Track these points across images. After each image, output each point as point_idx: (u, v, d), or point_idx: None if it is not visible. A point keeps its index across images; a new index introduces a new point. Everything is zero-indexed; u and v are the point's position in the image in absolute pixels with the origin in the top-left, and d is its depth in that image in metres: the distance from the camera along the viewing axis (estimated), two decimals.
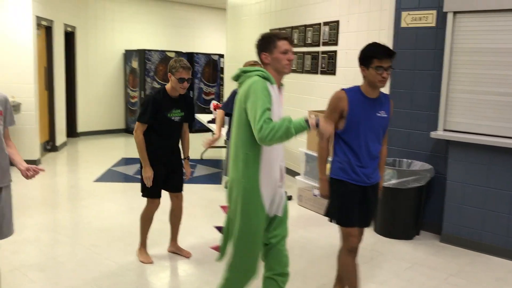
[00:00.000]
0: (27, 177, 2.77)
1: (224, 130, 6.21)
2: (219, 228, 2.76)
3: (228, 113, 4.97)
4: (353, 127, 2.83)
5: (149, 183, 3.61)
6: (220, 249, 2.70)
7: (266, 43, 2.50)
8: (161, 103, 3.57)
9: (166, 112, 3.59)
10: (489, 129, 4.14)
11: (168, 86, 3.64)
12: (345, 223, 2.87)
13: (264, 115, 2.29)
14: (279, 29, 7.09)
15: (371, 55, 2.76)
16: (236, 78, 2.58)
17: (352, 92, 2.86)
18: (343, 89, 2.89)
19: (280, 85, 2.55)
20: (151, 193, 3.72)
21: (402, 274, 3.70)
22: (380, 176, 3.02)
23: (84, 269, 3.61)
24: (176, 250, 4.01)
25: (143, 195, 3.76)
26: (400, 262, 3.92)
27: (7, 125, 2.83)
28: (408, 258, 4.02)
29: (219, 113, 5.00)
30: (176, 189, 3.87)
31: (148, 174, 3.61)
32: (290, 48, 2.50)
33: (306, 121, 2.29)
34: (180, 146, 3.88)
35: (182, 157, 3.90)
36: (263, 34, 2.58)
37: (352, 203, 2.86)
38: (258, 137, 2.29)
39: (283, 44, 2.48)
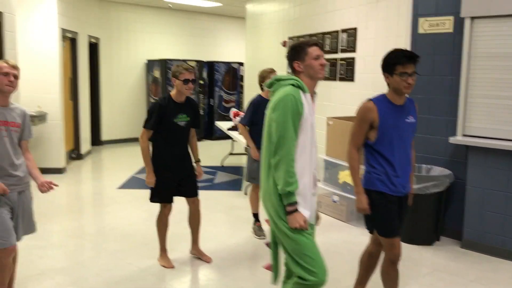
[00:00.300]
0: (42, 191, 3.01)
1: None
2: (268, 244, 2.66)
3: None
4: (386, 137, 2.79)
5: (151, 185, 3.72)
6: (273, 267, 2.63)
7: (296, 52, 2.50)
8: (166, 109, 3.66)
9: (171, 117, 3.68)
10: (508, 134, 4.12)
11: (173, 92, 3.75)
12: (389, 234, 2.83)
13: (291, 151, 2.34)
14: (298, 37, 7.16)
15: (394, 61, 2.73)
16: (270, 85, 2.58)
17: (380, 102, 2.81)
18: (370, 99, 2.83)
19: (313, 93, 2.55)
20: (161, 198, 3.83)
21: (422, 280, 3.70)
22: (410, 182, 2.97)
23: (108, 273, 3.72)
24: (197, 254, 4.09)
25: (152, 200, 3.84)
26: (420, 268, 3.92)
27: (25, 138, 3.06)
28: (428, 264, 4.01)
29: (241, 129, 4.73)
30: (191, 194, 3.95)
31: (151, 180, 3.70)
32: (321, 53, 2.50)
33: (290, 204, 2.37)
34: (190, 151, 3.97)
35: (194, 161, 3.99)
36: (294, 43, 2.59)
37: (393, 214, 2.83)
38: (274, 163, 2.37)
39: (313, 50, 2.48)
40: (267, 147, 2.47)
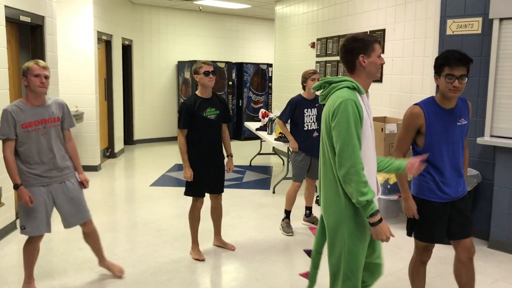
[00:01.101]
0: (84, 186, 3.46)
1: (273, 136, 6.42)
2: (308, 252, 2.61)
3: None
4: (434, 144, 2.71)
5: (189, 179, 3.90)
6: (310, 276, 2.58)
7: (364, 45, 2.31)
8: (194, 106, 3.88)
9: (201, 112, 3.89)
10: None
11: (198, 90, 3.98)
12: (425, 239, 2.87)
13: (358, 160, 2.16)
14: (327, 38, 7.25)
15: (442, 62, 2.63)
16: (318, 89, 2.42)
17: (428, 106, 2.72)
18: (417, 104, 2.75)
19: (367, 93, 2.38)
20: (194, 192, 4.02)
21: (447, 277, 3.76)
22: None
23: (143, 265, 3.92)
24: (220, 244, 4.31)
25: (186, 194, 4.05)
26: (446, 266, 3.96)
27: (67, 128, 3.33)
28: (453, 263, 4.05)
29: (281, 125, 4.81)
30: (218, 191, 4.16)
31: (188, 174, 3.90)
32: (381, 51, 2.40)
33: (372, 214, 2.17)
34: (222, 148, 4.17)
35: (225, 155, 4.18)
36: (355, 36, 2.36)
37: (434, 220, 2.80)
38: (341, 175, 2.18)
39: (378, 48, 2.35)
40: (327, 157, 2.30)
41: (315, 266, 2.56)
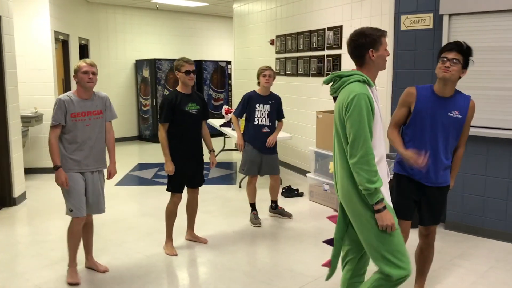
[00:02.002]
0: (108, 178, 3.71)
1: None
2: (330, 242, 2.63)
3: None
4: (417, 123, 2.86)
5: (171, 173, 4.00)
6: (332, 264, 2.61)
7: (373, 40, 2.38)
8: (175, 100, 3.98)
9: (183, 106, 4.00)
10: (486, 122, 4.45)
11: (179, 86, 4.09)
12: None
13: (369, 148, 2.25)
14: (286, 35, 7.43)
15: (441, 50, 2.88)
16: (329, 82, 2.51)
17: (423, 89, 2.91)
18: (415, 86, 2.97)
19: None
20: (175, 188, 4.10)
21: (411, 258, 4.00)
22: (452, 177, 3.01)
23: (118, 261, 3.96)
24: (193, 238, 4.42)
25: (168, 190, 4.14)
26: (409, 248, 4.21)
27: (109, 119, 3.67)
28: (415, 244, 4.30)
29: (234, 120, 5.00)
30: (196, 185, 4.27)
31: (169, 168, 3.99)
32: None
33: (378, 201, 2.27)
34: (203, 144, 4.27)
35: (208, 151, 4.30)
36: (363, 30, 2.43)
37: (404, 198, 2.94)
38: (352, 163, 2.28)
39: (385, 41, 2.43)
40: (341, 148, 2.41)
41: (337, 254, 2.59)
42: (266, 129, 4.86)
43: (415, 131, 2.90)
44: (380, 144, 2.37)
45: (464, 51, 2.83)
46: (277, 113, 4.96)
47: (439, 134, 2.86)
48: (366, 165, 2.25)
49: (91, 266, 3.79)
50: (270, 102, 4.85)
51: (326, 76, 6.43)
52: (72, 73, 8.37)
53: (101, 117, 3.56)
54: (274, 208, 5.19)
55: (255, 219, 4.93)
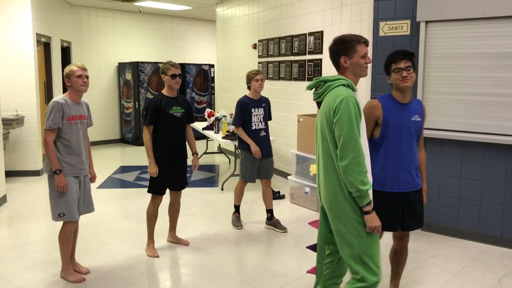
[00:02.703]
0: (93, 182, 3.80)
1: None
2: (312, 248, 2.66)
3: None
4: (390, 133, 2.90)
5: (154, 175, 4.04)
6: (317, 270, 2.63)
7: (346, 47, 2.43)
8: (160, 103, 4.03)
9: (168, 109, 4.05)
10: (460, 126, 4.59)
11: (164, 89, 4.14)
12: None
13: (361, 152, 2.29)
14: (268, 39, 7.53)
15: (388, 61, 2.94)
16: (312, 87, 2.52)
17: (385, 99, 2.96)
18: (375, 98, 3.00)
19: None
20: (157, 190, 4.14)
21: (386, 258, 4.10)
22: (422, 179, 3.10)
23: (100, 263, 3.98)
24: (174, 240, 4.46)
25: (149, 191, 4.17)
26: (385, 249, 4.28)
27: (89, 126, 3.71)
28: (391, 245, 4.42)
29: (239, 131, 4.82)
30: (179, 188, 4.32)
31: (153, 170, 4.03)
32: (367, 51, 2.48)
33: (368, 204, 2.33)
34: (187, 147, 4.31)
35: (191, 153, 4.36)
36: (341, 37, 2.48)
37: (390, 211, 2.95)
38: (343, 166, 2.29)
39: (362, 49, 2.43)
40: (326, 153, 2.42)
41: (322, 259, 2.61)
42: (263, 133, 4.84)
43: (388, 141, 2.91)
44: (366, 148, 2.41)
45: (411, 57, 2.91)
46: (268, 115, 4.98)
47: (410, 140, 2.93)
48: (358, 166, 2.28)
49: (74, 268, 3.80)
50: (263, 105, 4.85)
51: (307, 80, 6.55)
52: (55, 76, 8.42)
53: (85, 122, 3.64)
54: (270, 219, 4.97)
55: (237, 221, 4.98)
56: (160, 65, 4.13)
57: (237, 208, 5.06)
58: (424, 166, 3.16)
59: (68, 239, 3.60)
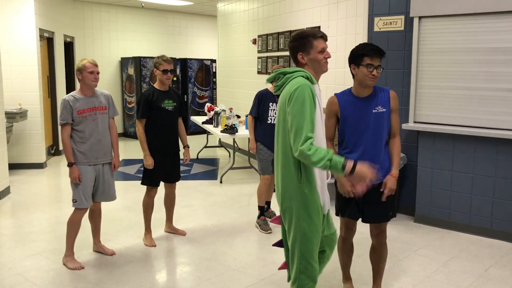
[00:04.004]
0: (113, 170, 3.96)
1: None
2: (279, 244, 2.68)
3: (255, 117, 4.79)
4: (346, 128, 2.92)
5: (150, 167, 4.14)
6: (288, 266, 2.65)
7: (302, 43, 2.44)
8: (152, 97, 4.13)
9: (160, 103, 4.15)
10: (452, 120, 4.67)
11: (156, 83, 4.24)
12: (337, 213, 3.13)
13: (310, 134, 2.26)
14: (267, 34, 7.61)
15: (362, 53, 2.81)
16: (273, 80, 2.55)
17: (343, 95, 2.96)
18: (335, 94, 3.01)
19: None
20: (151, 182, 4.26)
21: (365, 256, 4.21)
22: (394, 165, 2.97)
23: (98, 252, 4.11)
24: (171, 230, 4.58)
25: (142, 183, 4.29)
26: (362, 247, 4.42)
27: (112, 116, 3.93)
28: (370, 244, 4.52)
29: (249, 120, 4.82)
30: (173, 180, 4.43)
31: (149, 162, 4.14)
32: (326, 45, 2.47)
33: (344, 166, 2.27)
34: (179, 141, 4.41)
35: (182, 146, 4.45)
36: (298, 33, 2.49)
37: (343, 198, 3.00)
38: (297, 151, 2.27)
39: (319, 43, 2.43)
40: (285, 145, 2.41)
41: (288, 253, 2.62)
42: None
43: (348, 136, 2.94)
44: (321, 141, 2.43)
45: (384, 55, 2.87)
46: None
47: (371, 133, 2.89)
48: (313, 156, 2.25)
49: (99, 250, 4.07)
50: (277, 100, 4.80)
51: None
52: (58, 71, 8.54)
53: (105, 113, 3.82)
54: (266, 209, 4.94)
55: (264, 224, 4.69)
56: (154, 59, 4.23)
57: (261, 209, 4.80)
58: (396, 152, 3.01)
59: (75, 226, 3.81)
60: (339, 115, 2.95)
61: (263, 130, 4.69)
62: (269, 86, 4.79)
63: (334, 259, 3.40)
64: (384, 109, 2.91)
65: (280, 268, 2.82)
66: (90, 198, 3.79)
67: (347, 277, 3.39)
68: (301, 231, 2.44)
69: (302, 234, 2.44)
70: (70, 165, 3.67)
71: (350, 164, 2.28)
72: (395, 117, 2.99)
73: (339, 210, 3.13)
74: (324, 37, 2.46)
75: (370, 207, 3.01)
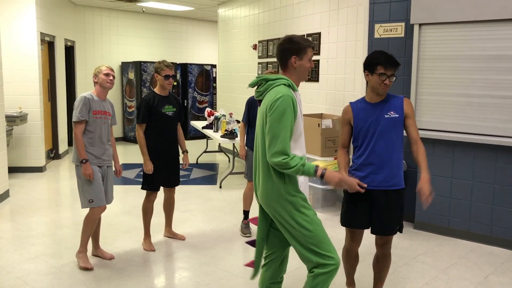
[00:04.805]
0: (118, 176, 4.08)
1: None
2: (252, 243, 2.73)
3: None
4: (361, 134, 2.96)
5: (149, 172, 4.14)
6: (255, 265, 2.68)
7: (298, 48, 2.49)
8: (153, 102, 4.14)
9: (160, 108, 4.16)
10: (452, 126, 4.68)
11: (156, 88, 4.25)
12: (343, 223, 3.08)
13: (287, 144, 2.35)
14: (268, 40, 7.64)
15: (377, 62, 2.87)
16: (254, 85, 2.57)
17: (357, 103, 3.03)
18: (349, 103, 3.07)
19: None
20: (151, 186, 4.25)
21: (367, 261, 4.21)
22: (423, 170, 2.87)
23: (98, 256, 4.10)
24: (171, 235, 4.57)
25: (142, 188, 4.29)
26: (366, 256, 4.41)
27: (112, 124, 3.99)
28: (375, 252, 4.52)
29: (241, 126, 4.87)
30: (172, 185, 4.43)
31: (148, 167, 4.14)
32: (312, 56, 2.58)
33: (315, 171, 2.38)
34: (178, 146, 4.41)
35: (181, 151, 4.45)
36: (292, 37, 2.54)
37: (353, 206, 2.98)
38: (273, 160, 2.35)
39: (311, 53, 2.54)
40: (264, 146, 2.46)
41: (260, 255, 2.67)
42: None
43: (362, 142, 2.97)
44: (301, 146, 2.51)
45: (397, 66, 2.90)
46: None
47: (381, 138, 2.91)
48: (288, 165, 2.34)
49: (98, 254, 4.08)
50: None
51: (305, 81, 6.64)
52: (58, 74, 8.56)
53: (110, 119, 3.92)
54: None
55: (245, 228, 4.71)
56: (155, 64, 4.23)
57: (246, 214, 4.80)
58: (421, 156, 2.94)
59: (93, 223, 3.86)
60: (352, 122, 3.01)
61: (252, 135, 4.71)
62: None
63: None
64: (397, 115, 2.93)
65: (246, 265, 2.80)
66: (104, 196, 3.85)
67: (350, 282, 3.39)
68: (299, 226, 2.45)
69: (301, 227, 2.45)
70: (84, 161, 3.70)
71: (319, 172, 2.41)
72: (412, 123, 2.98)
73: (346, 220, 3.07)
74: (314, 48, 2.58)
75: (378, 215, 2.96)
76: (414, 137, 2.99)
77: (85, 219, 3.85)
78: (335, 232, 4.52)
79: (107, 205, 3.96)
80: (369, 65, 2.92)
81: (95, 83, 3.82)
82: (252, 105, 4.71)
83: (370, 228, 3.06)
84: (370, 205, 2.97)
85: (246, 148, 4.78)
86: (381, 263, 3.18)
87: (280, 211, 2.47)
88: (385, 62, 2.85)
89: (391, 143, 2.93)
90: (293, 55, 2.50)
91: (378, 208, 2.95)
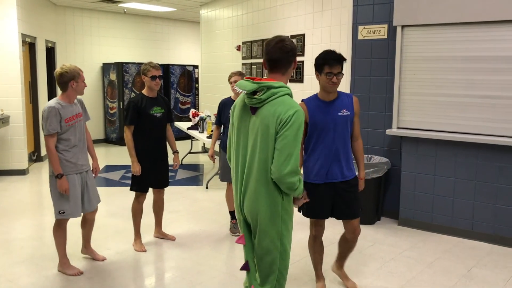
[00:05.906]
0: (95, 175, 3.96)
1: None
2: (245, 267, 2.61)
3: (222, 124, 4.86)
4: (315, 131, 3.09)
5: (137, 174, 4.15)
6: (249, 278, 2.63)
7: (294, 54, 2.46)
8: (141, 104, 4.15)
9: (148, 110, 4.17)
10: (434, 125, 4.82)
11: (144, 90, 4.26)
12: (308, 215, 3.28)
13: (298, 162, 2.32)
14: (251, 41, 7.71)
15: (323, 62, 3.00)
16: (253, 92, 2.35)
17: (310, 100, 3.15)
18: (302, 100, 3.18)
19: None
20: (139, 188, 4.28)
21: (365, 250, 4.32)
22: (359, 168, 3.30)
23: (88, 258, 4.11)
24: (161, 236, 4.60)
25: (131, 189, 4.31)
26: (364, 242, 4.53)
27: (85, 121, 3.85)
28: (370, 239, 4.64)
29: (215, 130, 4.92)
30: (162, 186, 4.45)
31: (136, 168, 4.15)
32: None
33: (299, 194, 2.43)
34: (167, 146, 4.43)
35: (172, 152, 4.49)
36: (284, 38, 2.45)
37: (315, 199, 3.13)
38: (288, 180, 2.28)
39: (294, 60, 2.51)
40: (264, 162, 2.34)
41: (253, 275, 2.59)
42: None
43: (316, 138, 3.11)
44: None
45: (343, 61, 3.04)
46: None
47: (336, 135, 3.11)
48: (293, 177, 2.30)
49: (88, 253, 4.07)
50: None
51: (289, 81, 6.73)
52: (39, 76, 8.46)
53: (81, 119, 3.75)
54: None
55: (234, 228, 4.79)
56: (142, 66, 4.24)
57: (232, 214, 4.87)
58: (360, 154, 3.33)
59: (60, 234, 3.74)
60: (307, 119, 3.08)
61: (225, 136, 4.71)
62: (233, 95, 4.77)
63: (307, 261, 3.48)
64: (348, 112, 3.14)
65: (242, 269, 2.69)
66: (79, 208, 3.70)
67: (319, 277, 3.51)
68: (283, 250, 2.44)
69: (283, 251, 2.45)
70: (59, 176, 3.52)
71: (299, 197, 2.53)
72: (357, 121, 3.25)
73: (307, 212, 3.27)
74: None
75: (340, 205, 3.22)
76: (356, 134, 3.28)
77: (54, 231, 3.73)
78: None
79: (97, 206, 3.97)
80: (317, 66, 3.06)
81: (72, 87, 3.58)
82: (223, 108, 4.74)
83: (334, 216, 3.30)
84: (331, 197, 3.20)
85: (220, 149, 4.81)
86: (350, 244, 3.43)
87: (270, 230, 2.40)
88: (330, 60, 2.98)
89: (344, 139, 3.15)
90: (294, 59, 2.46)
91: (338, 198, 3.20)
